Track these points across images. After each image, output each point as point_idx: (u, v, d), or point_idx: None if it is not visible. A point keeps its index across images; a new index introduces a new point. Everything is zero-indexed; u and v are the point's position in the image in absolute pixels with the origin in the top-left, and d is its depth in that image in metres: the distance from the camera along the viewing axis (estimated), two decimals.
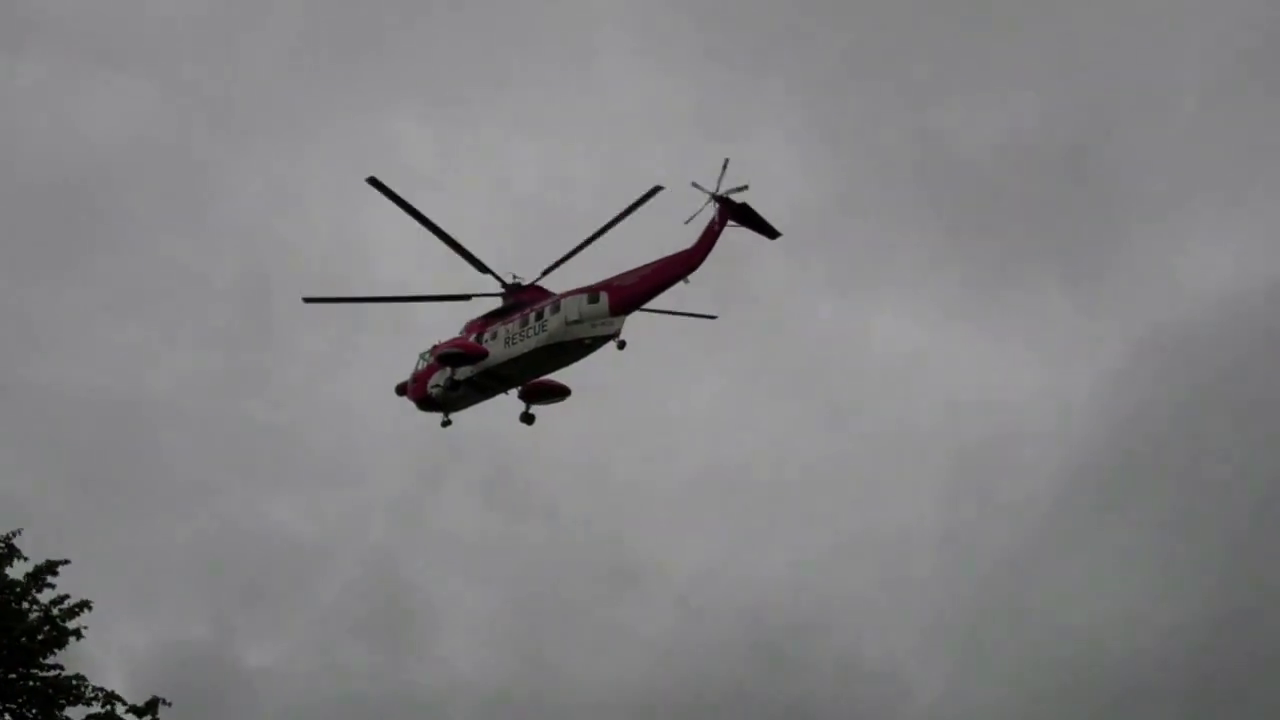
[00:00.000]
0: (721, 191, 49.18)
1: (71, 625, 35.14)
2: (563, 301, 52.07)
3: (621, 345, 50.77)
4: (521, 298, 54.76)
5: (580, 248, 53.11)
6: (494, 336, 54.24)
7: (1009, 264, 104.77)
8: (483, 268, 54.75)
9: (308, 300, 58.03)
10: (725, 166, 48.66)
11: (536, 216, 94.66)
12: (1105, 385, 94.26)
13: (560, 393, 56.28)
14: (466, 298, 55.51)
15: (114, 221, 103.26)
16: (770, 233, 50.73)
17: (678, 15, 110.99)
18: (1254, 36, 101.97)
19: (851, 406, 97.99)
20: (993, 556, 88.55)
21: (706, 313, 56.75)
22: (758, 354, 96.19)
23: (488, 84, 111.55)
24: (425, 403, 56.95)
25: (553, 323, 51.86)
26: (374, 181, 52.19)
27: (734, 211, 49.65)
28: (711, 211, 49.55)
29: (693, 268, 49.73)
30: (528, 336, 52.70)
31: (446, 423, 57.24)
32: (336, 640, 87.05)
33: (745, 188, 48.98)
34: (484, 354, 53.77)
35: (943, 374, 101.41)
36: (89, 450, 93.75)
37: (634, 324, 51.43)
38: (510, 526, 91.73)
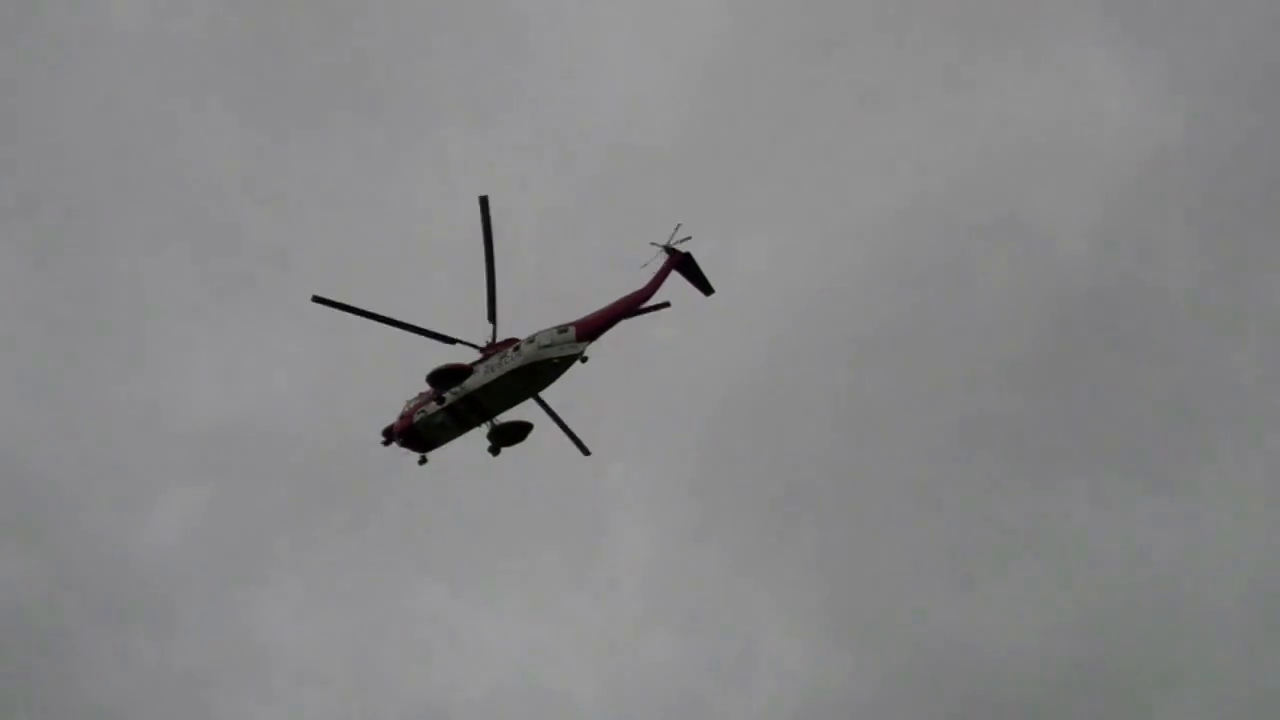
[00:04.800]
0: (670, 244, 62.26)
1: None
2: (537, 334, 62.63)
3: (584, 359, 62.07)
4: (498, 348, 64.18)
5: (492, 290, 63.10)
6: (475, 372, 63.29)
7: None
8: (449, 340, 63.94)
9: None
10: (676, 229, 61.93)
11: None
12: None
13: (523, 433, 64.79)
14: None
15: None
16: (706, 288, 63.08)
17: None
18: None
19: None
20: None
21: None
22: None
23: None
24: (408, 436, 64.83)
25: (527, 350, 62.17)
26: (318, 298, 61.54)
27: (679, 261, 62.34)
28: (662, 259, 62.40)
29: (643, 301, 62.33)
30: (505, 363, 62.51)
31: (423, 460, 65.26)
32: None
33: (689, 238, 62.01)
34: (469, 371, 62.79)
35: None
36: None
37: None
38: None
